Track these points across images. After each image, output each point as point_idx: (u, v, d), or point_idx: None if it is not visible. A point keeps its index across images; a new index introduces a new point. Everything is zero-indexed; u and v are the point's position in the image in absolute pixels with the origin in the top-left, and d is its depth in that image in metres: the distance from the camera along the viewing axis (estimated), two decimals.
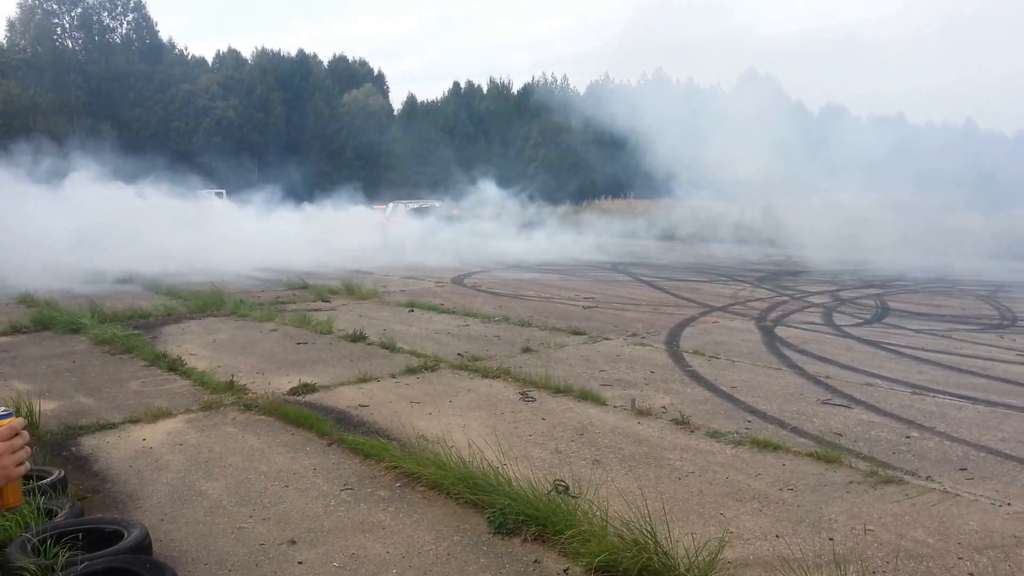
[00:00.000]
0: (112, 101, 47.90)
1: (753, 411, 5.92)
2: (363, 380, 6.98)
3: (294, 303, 11.97)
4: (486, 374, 7.16)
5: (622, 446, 5.17)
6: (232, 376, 6.98)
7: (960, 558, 3.52)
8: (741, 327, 9.60)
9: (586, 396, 6.33)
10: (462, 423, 5.66)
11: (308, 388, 6.69)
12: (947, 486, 4.37)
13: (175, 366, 7.48)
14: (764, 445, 5.07)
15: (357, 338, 8.83)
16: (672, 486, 4.45)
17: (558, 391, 6.50)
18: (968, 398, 6.11)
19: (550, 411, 6.01)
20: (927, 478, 4.50)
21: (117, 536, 3.52)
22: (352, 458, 5.00)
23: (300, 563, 3.63)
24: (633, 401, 6.15)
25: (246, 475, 4.76)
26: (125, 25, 53.40)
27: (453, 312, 10.93)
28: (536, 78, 70.56)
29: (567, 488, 4.21)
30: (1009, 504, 4.11)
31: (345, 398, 6.43)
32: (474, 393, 6.56)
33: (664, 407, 6.02)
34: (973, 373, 6.94)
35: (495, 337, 9.07)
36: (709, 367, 7.35)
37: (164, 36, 56.03)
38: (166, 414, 5.96)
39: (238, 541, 3.86)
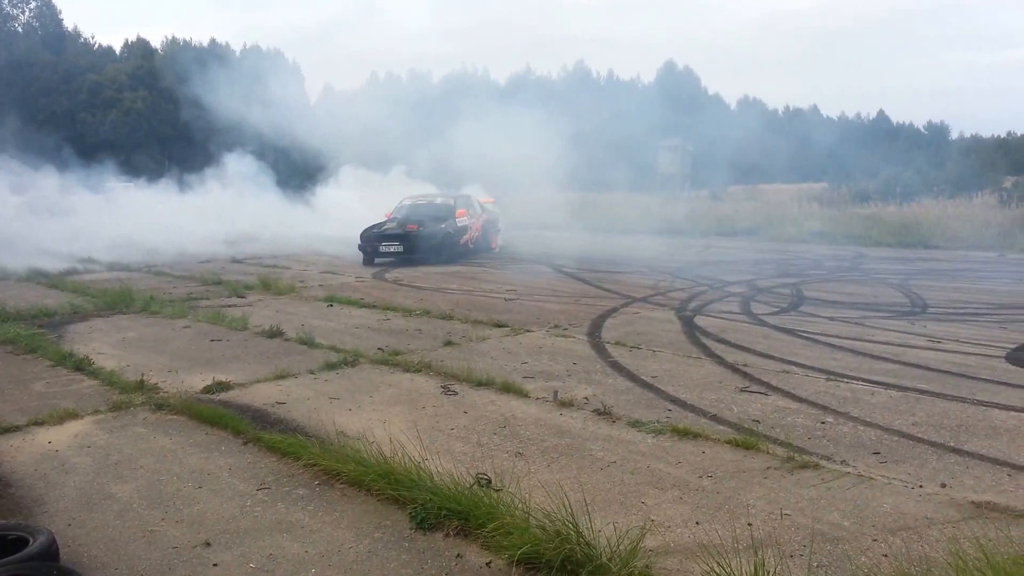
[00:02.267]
0: (15, 91, 45.70)
1: (674, 400, 6.04)
2: (280, 377, 6.84)
3: (208, 299, 11.64)
4: (407, 368, 7.11)
5: (544, 438, 5.21)
6: (142, 375, 6.75)
7: (875, 540, 3.66)
8: (662, 317, 9.78)
9: (508, 388, 6.35)
10: (383, 418, 5.60)
11: (223, 386, 6.51)
12: (861, 470, 4.54)
13: (82, 366, 7.19)
14: (684, 433, 5.18)
15: (274, 334, 8.65)
16: (594, 476, 4.49)
17: (480, 384, 6.50)
18: (881, 383, 6.37)
19: (472, 404, 6.00)
20: (842, 462, 4.66)
21: (22, 543, 3.36)
22: (269, 457, 4.89)
23: (215, 565, 3.53)
24: (555, 393, 6.20)
25: (158, 477, 4.61)
26: (27, 12, 50.98)
27: (373, 307, 10.81)
28: (457, 69, 70.38)
29: (489, 481, 4.20)
30: (921, 486, 4.29)
31: (262, 395, 6.28)
32: (395, 388, 6.50)
33: (586, 398, 6.08)
34: (885, 359, 7.23)
35: (416, 331, 9.02)
36: (631, 357, 7.46)
37: (69, 25, 53.77)
38: (73, 415, 5.73)
39: (150, 544, 3.73)
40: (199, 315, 9.84)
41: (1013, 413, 5.52)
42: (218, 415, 5.59)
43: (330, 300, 11.41)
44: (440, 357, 7.51)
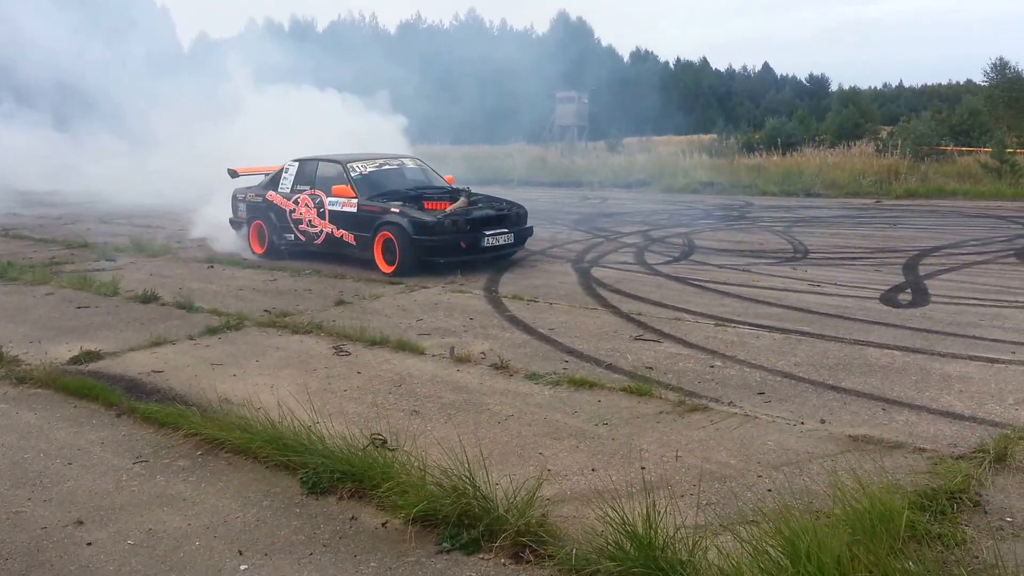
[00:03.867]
0: None
1: (570, 351, 6.14)
2: (156, 344, 6.58)
3: (73, 263, 11.03)
4: (296, 330, 6.96)
5: (441, 395, 5.22)
6: (0, 347, 6.35)
7: (759, 476, 3.85)
8: (559, 270, 9.90)
9: (403, 347, 6.31)
10: (270, 383, 5.48)
11: (92, 356, 6.21)
12: (747, 410, 4.76)
13: None
14: (580, 384, 5.29)
15: (148, 299, 8.29)
16: (491, 431, 4.54)
17: (374, 343, 6.44)
18: (765, 327, 6.66)
19: (366, 364, 5.94)
20: (729, 404, 4.87)
21: None
22: (146, 428, 4.72)
23: (89, 544, 3.40)
24: (452, 349, 6.20)
25: (22, 455, 4.38)
26: None
27: (259, 267, 10.50)
28: (342, 15, 68.33)
29: (384, 441, 4.19)
30: (802, 423, 4.53)
31: (136, 364, 6.03)
32: (283, 351, 6.36)
33: (483, 353, 6.12)
34: (770, 303, 7.56)
35: (306, 291, 8.83)
36: (528, 311, 7.54)
37: None
38: None
39: (15, 527, 3.56)
40: (63, 280, 9.32)
41: (886, 351, 5.88)
42: (87, 387, 5.34)
43: (211, 261, 11.02)
44: (331, 317, 7.38)
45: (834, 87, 74.51)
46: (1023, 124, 27.39)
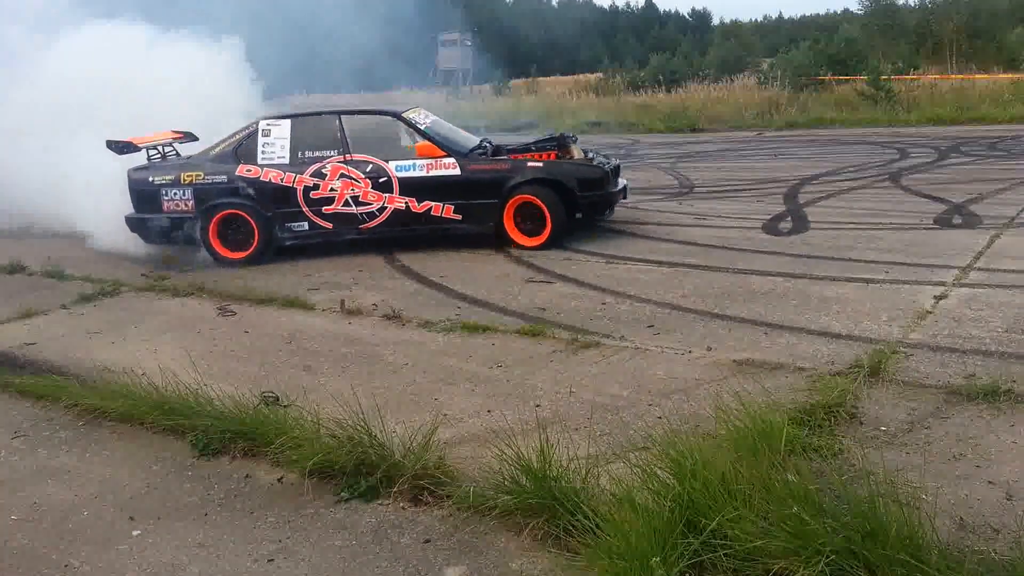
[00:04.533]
0: None
1: (463, 297, 6.20)
2: (27, 316, 6.28)
3: None
4: (177, 292, 6.77)
5: (333, 349, 5.20)
6: None
7: (650, 404, 4.03)
8: None
9: (293, 303, 6.24)
10: (152, 348, 5.33)
11: None
12: (638, 343, 4.93)
13: None
14: (474, 329, 5.36)
15: (14, 269, 7.88)
16: (386, 381, 4.57)
17: (261, 302, 6.34)
18: (654, 262, 6.87)
19: (253, 324, 5.85)
20: (621, 338, 5.03)
21: None
22: (22, 402, 4.54)
23: None
24: (342, 302, 6.16)
25: None
26: None
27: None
28: None
29: (276, 399, 4.17)
30: (690, 352, 4.74)
31: (6, 338, 5.76)
32: (165, 315, 6.19)
33: (375, 304, 6.10)
34: (658, 239, 7.79)
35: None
36: (418, 259, 7.53)
37: None
38: None
39: None
40: None
41: (769, 278, 6.18)
42: None
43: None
44: (215, 277, 7.20)
45: (716, 21, 76.16)
46: (897, 51, 28.72)
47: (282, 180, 7.76)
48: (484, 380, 4.49)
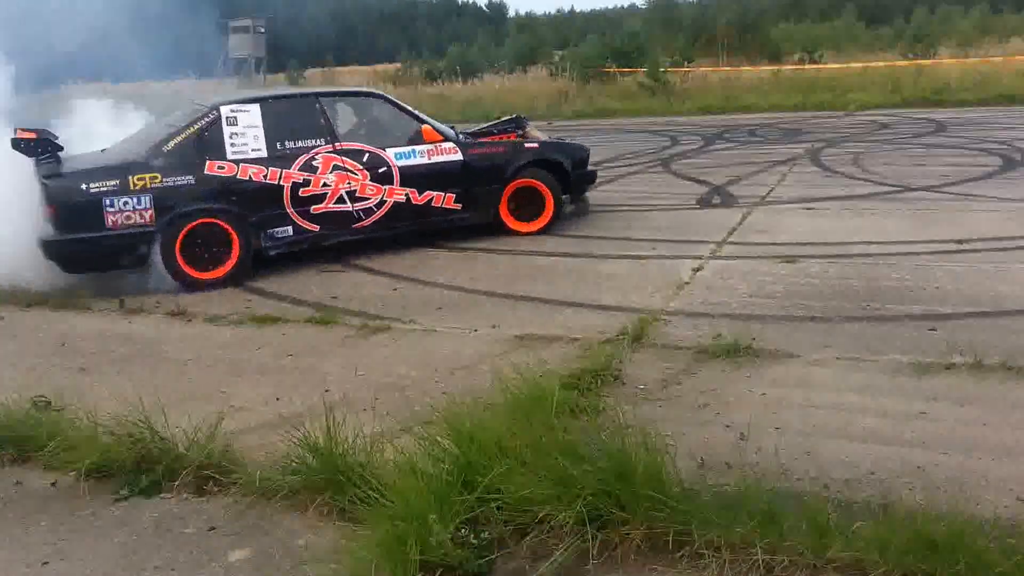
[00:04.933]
0: None
1: (254, 290, 6.15)
2: None
3: None
4: None
5: (112, 349, 5.02)
6: None
7: (436, 382, 4.23)
8: None
9: (65, 305, 5.93)
10: None
11: None
12: (426, 325, 5.14)
13: None
14: (264, 320, 5.36)
15: None
16: (170, 377, 4.50)
17: (30, 304, 5.97)
18: (444, 247, 7.10)
19: (21, 328, 5.53)
20: (410, 321, 5.22)
21: None
22: None
23: None
24: (122, 301, 5.93)
25: None
26: None
27: None
28: None
29: (49, 403, 4.00)
30: (476, 330, 5.00)
31: None
32: None
33: (158, 301, 5.92)
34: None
35: None
36: None
37: None
38: None
39: None
40: None
41: (551, 258, 6.58)
42: None
43: None
44: None
45: (512, 13, 78.06)
46: (675, 45, 30.76)
47: (265, 177, 6.45)
48: (273, 370, 4.52)
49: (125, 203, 6.04)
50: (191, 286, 6.19)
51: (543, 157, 7.43)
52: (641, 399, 3.83)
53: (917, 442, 3.31)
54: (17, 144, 6.19)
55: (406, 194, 6.88)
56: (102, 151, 6.84)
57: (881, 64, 22.91)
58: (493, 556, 2.66)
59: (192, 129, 6.45)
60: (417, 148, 6.98)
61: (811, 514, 2.62)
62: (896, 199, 8.20)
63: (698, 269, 5.96)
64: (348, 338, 4.97)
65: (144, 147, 6.44)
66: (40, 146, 6.21)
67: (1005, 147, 10.98)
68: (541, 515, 2.73)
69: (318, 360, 4.63)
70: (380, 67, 40.51)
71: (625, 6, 63.82)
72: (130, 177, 6.08)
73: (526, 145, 7.50)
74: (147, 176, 6.12)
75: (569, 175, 7.56)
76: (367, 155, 6.82)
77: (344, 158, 6.73)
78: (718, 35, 31.10)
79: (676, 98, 20.53)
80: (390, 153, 6.90)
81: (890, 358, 4.17)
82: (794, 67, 24.49)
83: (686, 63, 25.25)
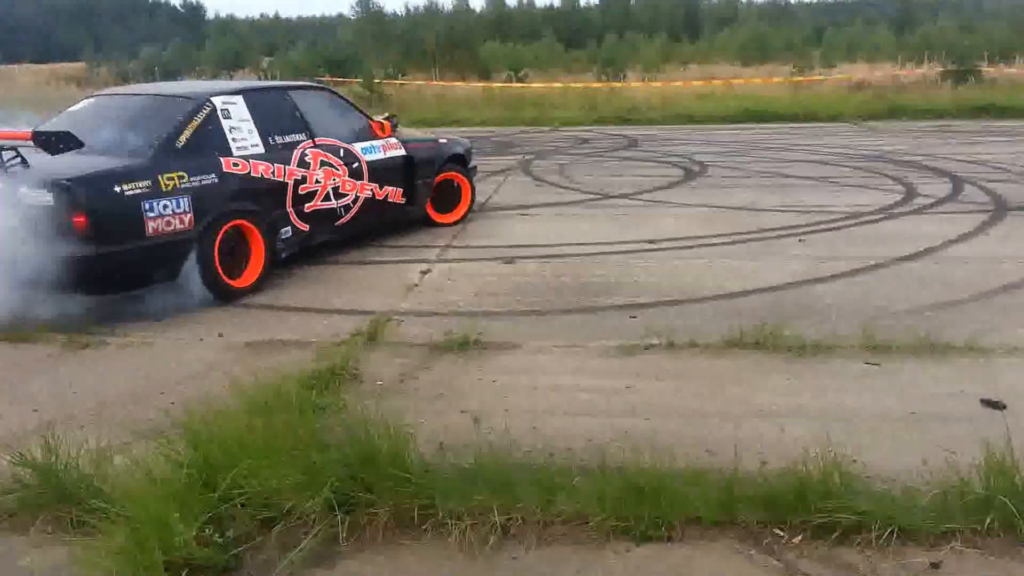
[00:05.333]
0: None
1: None
2: None
3: None
4: None
5: None
6: None
7: (162, 393, 4.10)
8: None
9: None
10: None
11: None
12: (144, 338, 4.95)
13: None
14: None
15: None
16: None
17: None
18: None
19: None
20: (125, 335, 4.98)
21: None
22: None
23: None
24: None
25: None
26: None
27: None
28: None
29: None
30: (201, 339, 4.91)
31: None
32: None
33: None
34: None
35: None
36: None
37: None
38: None
39: None
40: None
41: (299, 268, 6.47)
42: None
43: None
44: None
45: (211, 16, 74.71)
46: (388, 57, 31.32)
47: (273, 174, 6.08)
48: None
49: (164, 207, 5.30)
50: (226, 297, 5.66)
51: (455, 152, 7.93)
52: (380, 394, 4.00)
53: (625, 412, 3.79)
54: (40, 138, 5.23)
55: (371, 189, 6.93)
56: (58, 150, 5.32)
57: (579, 85, 25.01)
58: (240, 550, 2.70)
59: (194, 123, 5.77)
60: (375, 143, 7.09)
61: (538, 478, 2.95)
62: (597, 205, 9.10)
63: (426, 272, 6.28)
64: (52, 356, 4.65)
65: (143, 143, 5.56)
66: (63, 142, 5.25)
67: (685, 160, 12.54)
68: (288, 506, 2.82)
69: (21, 380, 4.29)
70: (60, 66, 37.08)
71: (334, 15, 63.57)
72: (160, 177, 5.31)
73: (444, 141, 7.97)
74: (175, 176, 5.40)
75: (468, 168, 8.16)
76: (342, 150, 6.72)
77: (327, 153, 6.57)
78: (429, 50, 32.18)
79: (392, 110, 20.93)
80: (358, 148, 6.89)
81: (600, 343, 4.70)
82: (502, 85, 25.95)
83: (400, 75, 25.85)
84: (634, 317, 5.18)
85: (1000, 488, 2.75)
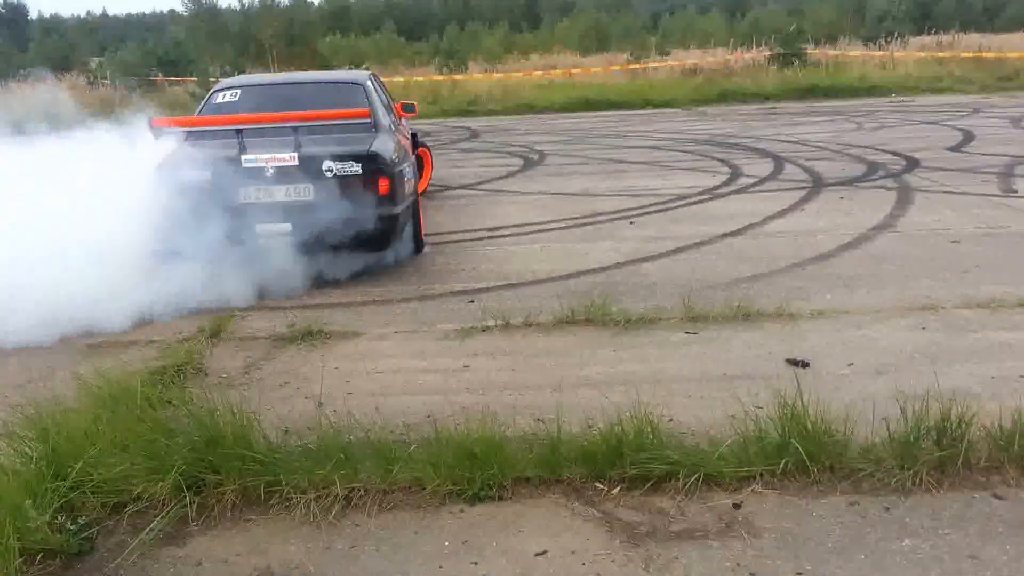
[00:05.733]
0: None
1: None
2: None
3: None
4: None
5: None
6: None
7: (6, 396, 4.08)
8: None
9: None
10: None
11: None
12: None
13: None
14: None
15: None
16: None
17: None
18: None
19: None
20: None
21: None
22: None
23: None
24: None
25: None
26: None
27: None
28: None
29: None
30: (62, 338, 4.92)
31: None
32: None
33: None
34: None
35: None
36: None
37: None
38: None
39: None
40: None
41: None
42: None
43: None
44: None
45: (35, 15, 70.04)
46: (224, 55, 30.43)
47: (407, 148, 7.14)
48: None
49: (409, 171, 6.42)
50: (419, 249, 6.78)
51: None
52: (226, 385, 4.16)
53: (463, 389, 4.10)
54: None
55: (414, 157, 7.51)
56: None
57: (421, 78, 25.19)
58: (93, 534, 2.83)
59: (369, 98, 6.75)
60: (404, 120, 8.07)
61: (378, 450, 3.21)
62: (439, 197, 9.40)
63: None
64: None
65: (370, 122, 6.23)
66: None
67: (525, 150, 13.03)
68: (138, 491, 2.97)
69: None
70: None
71: (165, 11, 60.91)
72: (396, 139, 6.44)
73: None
74: (398, 144, 6.44)
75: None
76: (404, 122, 7.99)
77: (405, 127, 7.81)
78: (266, 45, 31.46)
79: None
80: (405, 123, 8.04)
81: (439, 327, 5.00)
82: None
83: (237, 73, 25.24)
84: (472, 301, 5.51)
85: (793, 433, 3.17)
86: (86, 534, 2.81)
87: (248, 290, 5.56)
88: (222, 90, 7.03)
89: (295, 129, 5.69)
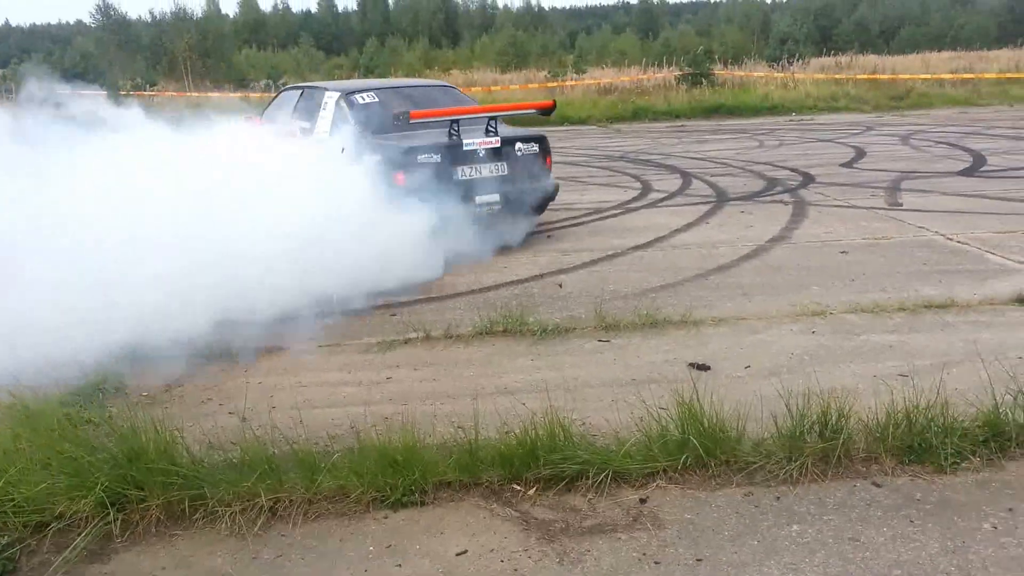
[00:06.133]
0: None
1: None
2: None
3: None
4: None
5: None
6: None
7: None
8: None
9: None
10: None
11: None
12: None
13: None
14: None
15: None
16: None
17: None
18: None
19: None
20: None
21: None
22: None
23: None
24: None
25: None
26: None
27: None
28: None
29: None
30: None
31: None
32: None
33: None
34: None
35: None
36: None
37: None
38: None
39: None
40: None
41: None
42: None
43: None
44: None
45: None
46: (135, 67, 29.73)
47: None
48: None
49: None
50: None
51: None
52: (147, 404, 4.17)
53: (385, 400, 4.21)
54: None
55: None
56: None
57: None
58: (15, 553, 2.85)
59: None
60: None
61: (302, 460, 3.31)
62: None
63: None
64: None
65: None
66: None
67: None
68: (60, 509, 3.00)
69: None
70: None
71: (72, 22, 59.13)
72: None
73: None
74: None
75: None
76: None
77: None
78: (179, 59, 30.89)
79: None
80: None
81: (362, 341, 5.11)
82: (261, 94, 25.52)
83: (149, 86, 24.74)
84: (395, 315, 5.63)
85: (692, 431, 3.40)
86: (8, 554, 2.82)
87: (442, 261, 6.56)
88: (354, 93, 7.94)
89: (493, 118, 7.28)
